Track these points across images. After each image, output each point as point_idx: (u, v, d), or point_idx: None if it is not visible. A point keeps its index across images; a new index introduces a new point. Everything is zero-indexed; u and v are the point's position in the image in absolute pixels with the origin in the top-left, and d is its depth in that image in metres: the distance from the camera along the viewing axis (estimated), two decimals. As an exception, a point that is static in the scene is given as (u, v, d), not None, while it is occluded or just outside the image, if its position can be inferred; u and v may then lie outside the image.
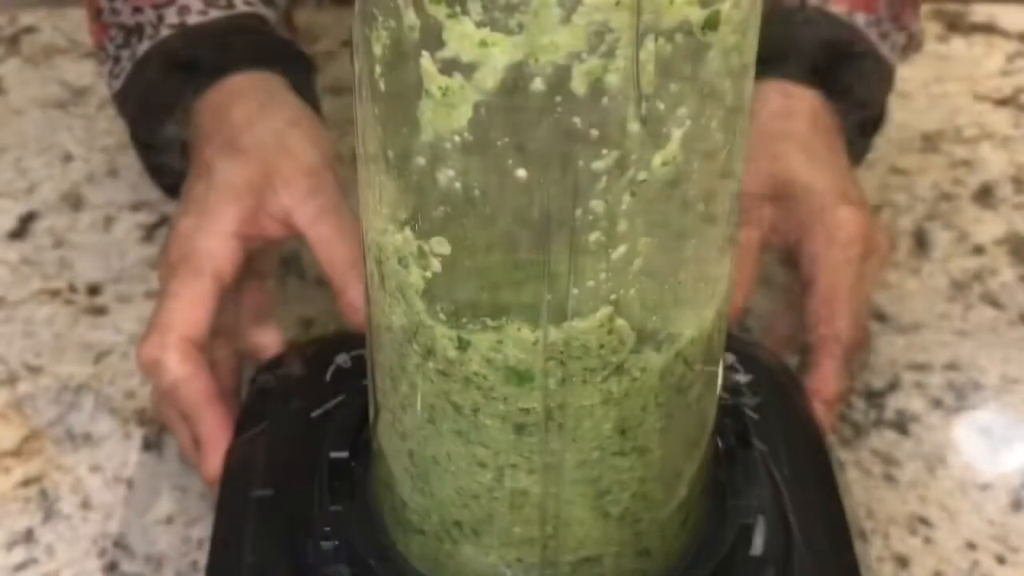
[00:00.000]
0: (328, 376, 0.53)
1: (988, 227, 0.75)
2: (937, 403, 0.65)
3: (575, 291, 0.37)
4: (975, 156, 0.80)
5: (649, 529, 0.42)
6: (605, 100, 0.33)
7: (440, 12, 0.33)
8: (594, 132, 0.34)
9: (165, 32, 0.63)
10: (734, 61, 0.35)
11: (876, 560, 0.58)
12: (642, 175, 0.35)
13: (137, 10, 0.64)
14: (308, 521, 0.45)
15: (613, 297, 0.37)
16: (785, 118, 0.64)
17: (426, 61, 0.34)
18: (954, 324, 0.69)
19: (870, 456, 0.62)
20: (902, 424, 0.64)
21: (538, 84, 0.33)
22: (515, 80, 0.33)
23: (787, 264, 0.66)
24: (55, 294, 0.70)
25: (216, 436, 0.54)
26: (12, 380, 0.66)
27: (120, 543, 0.58)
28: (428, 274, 0.38)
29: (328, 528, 0.44)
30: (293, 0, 0.72)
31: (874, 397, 0.65)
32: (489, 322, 0.38)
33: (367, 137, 0.38)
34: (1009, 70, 0.87)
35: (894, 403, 0.65)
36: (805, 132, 0.64)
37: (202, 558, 0.57)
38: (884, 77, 0.68)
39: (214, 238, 0.56)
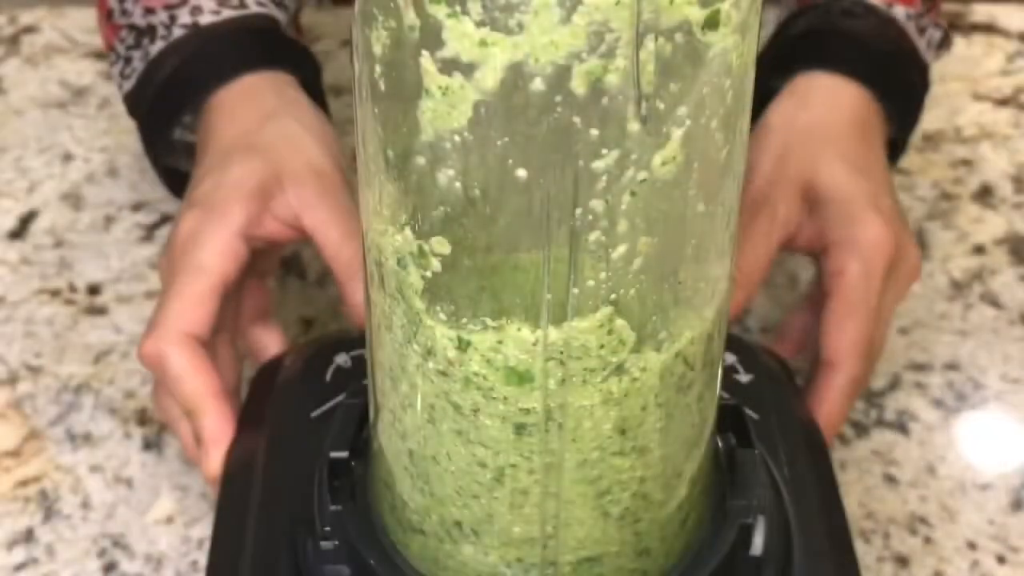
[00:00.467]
0: (328, 376, 0.53)
1: (988, 227, 0.75)
2: (937, 403, 0.65)
3: (575, 291, 0.37)
4: (975, 156, 0.80)
5: (649, 529, 0.42)
6: (605, 100, 0.33)
7: (440, 12, 0.33)
8: (594, 132, 0.34)
9: (178, 32, 0.63)
10: (734, 61, 0.35)
11: (876, 560, 0.58)
12: (642, 175, 0.35)
13: (149, 11, 0.64)
14: (308, 521, 0.45)
15: (613, 297, 0.37)
16: (827, 115, 0.62)
17: (426, 61, 0.34)
18: (954, 324, 0.69)
19: (870, 456, 0.62)
20: (902, 424, 0.64)
21: (538, 84, 0.33)
22: (515, 80, 0.33)
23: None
24: (55, 294, 0.70)
25: (218, 433, 0.54)
26: (12, 380, 0.66)
27: (120, 543, 0.58)
28: (428, 274, 0.38)
29: (328, 528, 0.44)
30: (301, 2, 0.72)
31: (874, 397, 0.65)
32: (489, 322, 0.38)
33: (367, 137, 0.38)
34: (1009, 70, 0.87)
35: (894, 403, 0.65)
36: (846, 134, 0.62)
37: (202, 558, 0.57)
38: (922, 74, 0.67)
39: (219, 237, 0.56)
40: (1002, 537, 0.59)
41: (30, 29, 0.89)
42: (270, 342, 0.61)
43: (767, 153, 0.62)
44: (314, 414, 0.51)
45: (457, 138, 0.35)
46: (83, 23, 0.89)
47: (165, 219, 0.75)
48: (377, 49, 0.35)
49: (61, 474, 0.61)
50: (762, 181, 0.61)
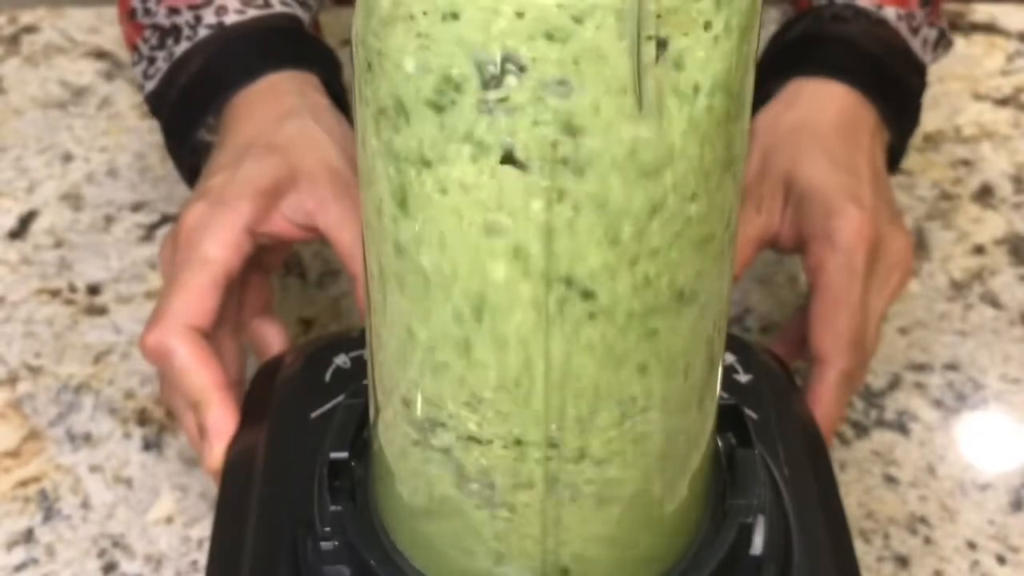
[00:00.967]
0: (328, 376, 0.53)
1: (988, 227, 0.75)
2: (937, 403, 0.65)
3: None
4: (975, 156, 0.80)
5: (649, 529, 0.42)
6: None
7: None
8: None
9: (203, 33, 0.63)
10: (734, 60, 0.35)
11: (876, 560, 0.58)
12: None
13: (173, 11, 0.64)
14: (308, 521, 0.45)
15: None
16: (813, 114, 0.62)
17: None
18: (954, 324, 0.69)
19: (870, 456, 0.62)
20: (902, 424, 0.64)
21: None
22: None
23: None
24: (55, 294, 0.70)
25: (222, 425, 0.54)
26: (12, 380, 0.66)
27: (120, 543, 0.58)
28: (428, 274, 0.37)
29: (328, 528, 0.44)
30: (322, 2, 0.72)
31: (874, 397, 0.65)
32: (489, 322, 0.37)
33: (367, 137, 0.38)
34: (1009, 70, 0.87)
35: (894, 403, 0.65)
36: (831, 132, 0.62)
37: (202, 558, 0.57)
38: (918, 74, 0.66)
39: (226, 230, 0.56)
40: (1002, 537, 0.59)
41: (30, 29, 0.89)
42: (272, 336, 0.61)
43: (753, 151, 0.62)
44: (314, 414, 0.51)
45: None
46: (83, 23, 0.89)
47: (165, 219, 0.75)
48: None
49: (61, 474, 0.61)
50: (747, 177, 0.61)
